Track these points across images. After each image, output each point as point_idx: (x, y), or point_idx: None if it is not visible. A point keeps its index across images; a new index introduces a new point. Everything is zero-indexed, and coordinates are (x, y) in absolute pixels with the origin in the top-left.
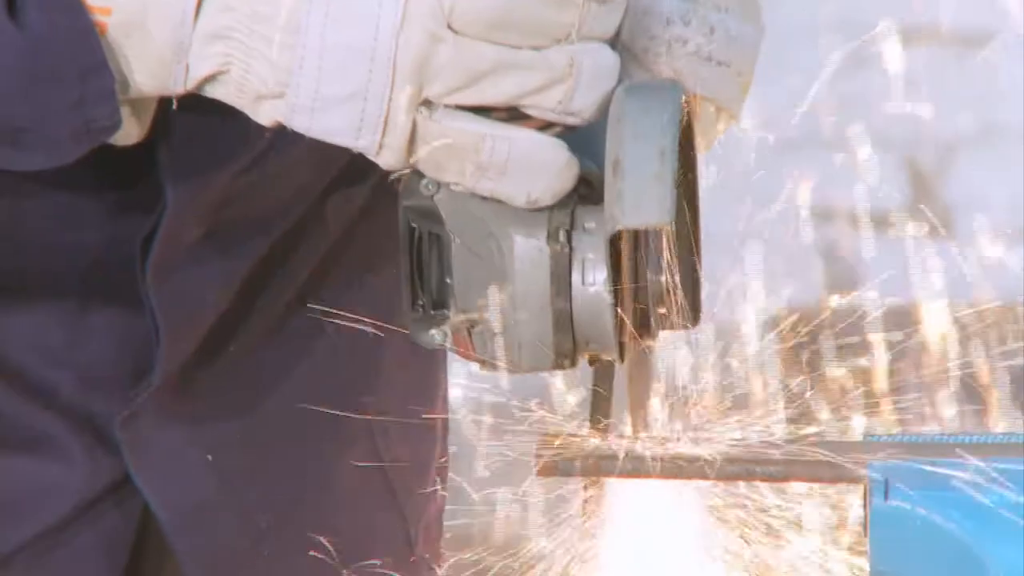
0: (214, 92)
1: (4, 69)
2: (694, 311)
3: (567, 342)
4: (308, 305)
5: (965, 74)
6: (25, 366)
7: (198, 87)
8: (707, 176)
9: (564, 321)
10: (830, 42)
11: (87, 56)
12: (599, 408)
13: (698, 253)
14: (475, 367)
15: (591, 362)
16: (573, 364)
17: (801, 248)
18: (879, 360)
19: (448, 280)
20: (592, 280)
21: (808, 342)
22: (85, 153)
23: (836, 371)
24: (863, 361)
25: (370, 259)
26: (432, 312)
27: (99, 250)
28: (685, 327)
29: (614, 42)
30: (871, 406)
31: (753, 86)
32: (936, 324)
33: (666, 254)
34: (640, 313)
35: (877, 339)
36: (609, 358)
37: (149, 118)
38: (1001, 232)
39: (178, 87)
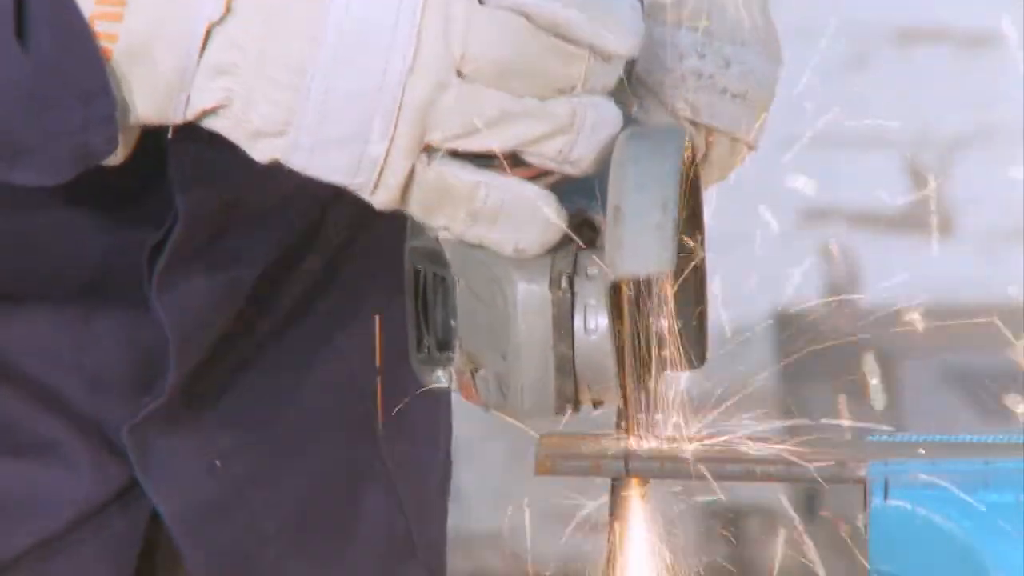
0: (212, 124)
1: (8, 90)
2: (700, 352)
3: (569, 387)
4: (316, 311)
5: (965, 74)
6: (32, 371)
7: (197, 119)
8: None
9: (566, 367)
10: (830, 42)
11: (91, 81)
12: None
13: (705, 294)
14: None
15: (595, 406)
16: (576, 409)
17: (800, 248)
18: (878, 360)
19: (452, 322)
20: (594, 326)
21: (808, 342)
22: (77, 174)
23: (836, 371)
24: (862, 361)
25: (375, 266)
26: (437, 354)
27: (104, 258)
28: (690, 367)
29: (629, 75)
30: (871, 405)
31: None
32: (935, 324)
33: (670, 300)
34: (643, 357)
35: (876, 339)
36: (612, 402)
37: (133, 140)
38: (1001, 232)
39: (177, 117)
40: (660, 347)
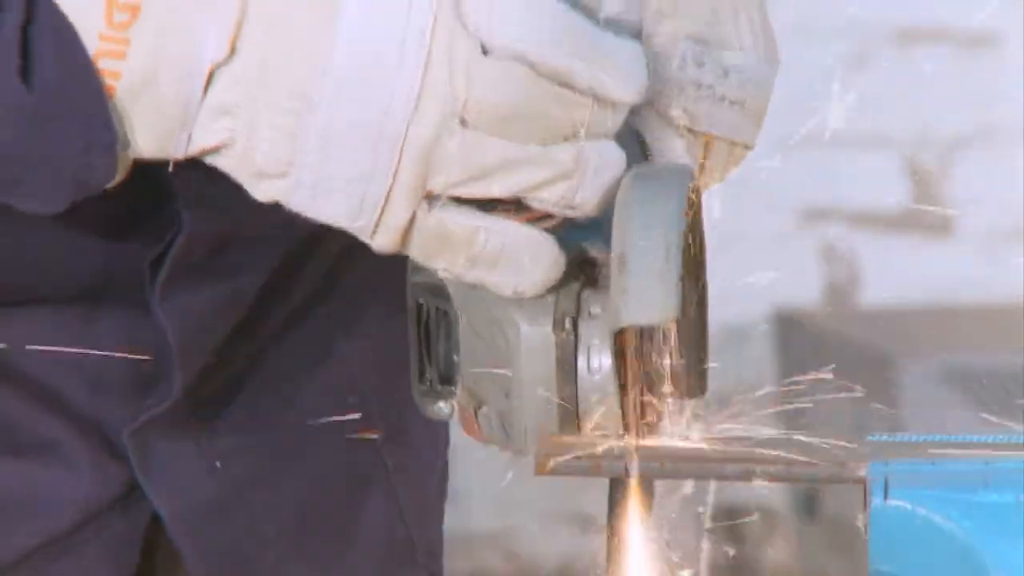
0: (214, 162)
1: (11, 122)
2: (700, 385)
3: (571, 428)
4: (317, 316)
5: (965, 74)
6: (32, 371)
7: (198, 156)
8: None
9: (569, 408)
10: (830, 42)
11: (94, 115)
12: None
13: (706, 330)
14: None
15: None
16: None
17: (800, 248)
18: (878, 359)
19: (455, 357)
20: (597, 366)
21: (808, 341)
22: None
23: (835, 370)
24: (862, 360)
25: (375, 273)
26: (439, 386)
27: (106, 266)
28: (691, 397)
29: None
30: (871, 405)
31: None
32: (936, 324)
33: (673, 340)
34: (645, 395)
35: (876, 339)
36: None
37: (129, 165)
38: (1001, 232)
39: (178, 153)
40: (662, 383)
